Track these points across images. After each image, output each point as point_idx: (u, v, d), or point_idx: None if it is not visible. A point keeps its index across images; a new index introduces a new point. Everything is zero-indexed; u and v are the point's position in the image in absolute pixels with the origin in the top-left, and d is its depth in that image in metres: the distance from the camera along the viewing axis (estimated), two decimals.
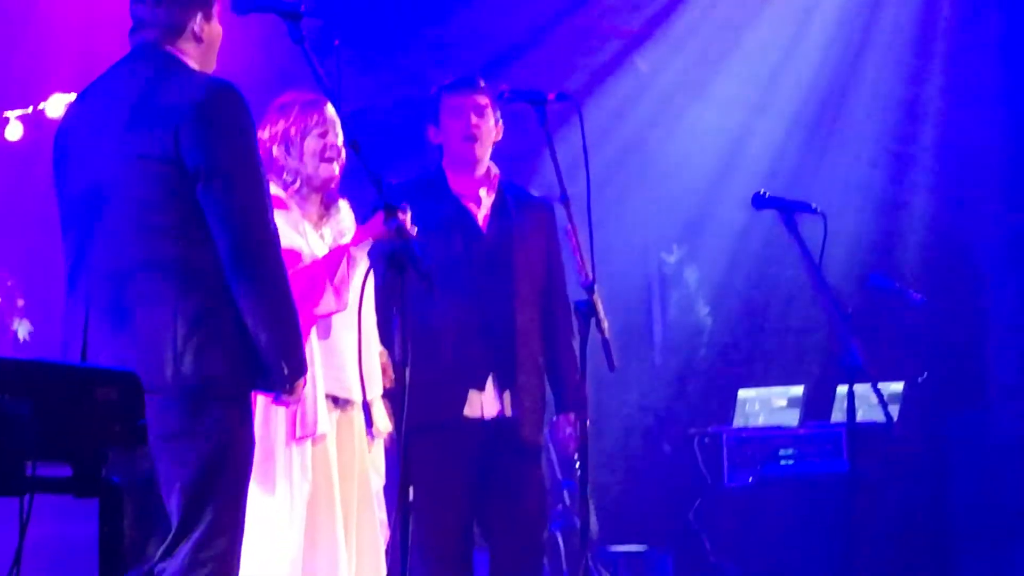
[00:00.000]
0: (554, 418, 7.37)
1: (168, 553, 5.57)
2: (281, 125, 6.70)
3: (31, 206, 10.31)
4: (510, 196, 7.30)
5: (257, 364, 5.63)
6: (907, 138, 11.50)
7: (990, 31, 11.22)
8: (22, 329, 9.58)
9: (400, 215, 6.09)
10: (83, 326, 5.69)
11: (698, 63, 11.73)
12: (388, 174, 6.80)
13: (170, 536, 5.60)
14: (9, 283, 9.69)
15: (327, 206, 6.80)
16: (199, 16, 5.83)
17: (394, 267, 5.91)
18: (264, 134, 6.71)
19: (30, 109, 10.19)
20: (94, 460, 4.16)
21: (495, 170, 7.31)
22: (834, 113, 11.59)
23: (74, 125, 5.92)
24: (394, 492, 6.13)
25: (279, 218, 6.46)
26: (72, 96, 10.20)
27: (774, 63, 11.68)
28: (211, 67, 5.91)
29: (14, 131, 10.14)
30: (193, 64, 5.80)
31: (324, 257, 6.57)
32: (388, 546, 6.90)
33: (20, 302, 9.65)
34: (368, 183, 5.96)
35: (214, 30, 5.89)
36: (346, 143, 6.42)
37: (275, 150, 6.72)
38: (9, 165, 10.38)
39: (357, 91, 10.12)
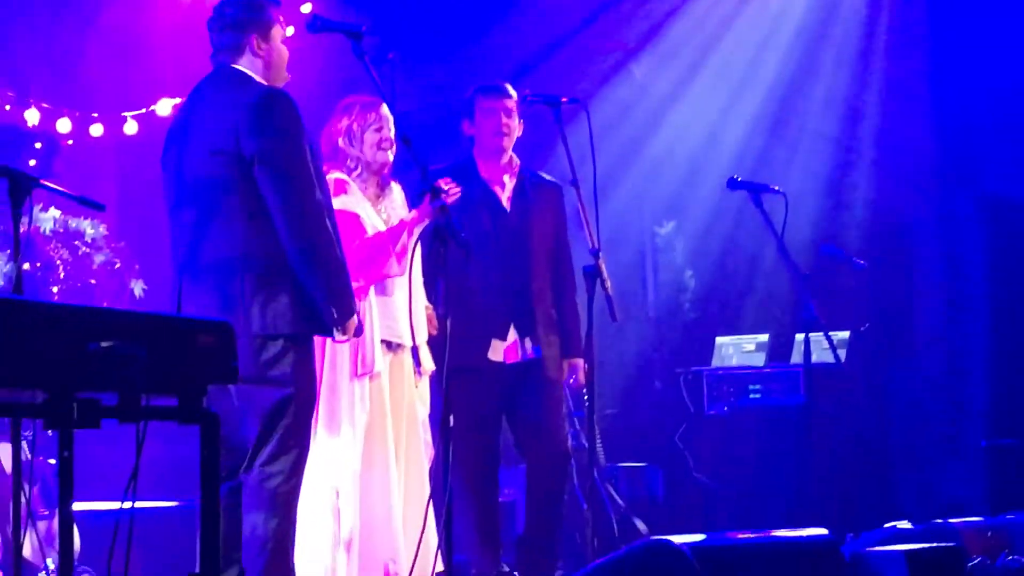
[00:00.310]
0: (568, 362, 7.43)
1: (247, 469, 5.70)
2: (345, 122, 6.79)
3: (144, 187, 10.37)
4: (528, 180, 7.35)
5: (312, 312, 5.74)
6: (852, 131, 11.47)
7: (921, 42, 11.18)
8: (138, 287, 9.59)
9: (444, 197, 6.20)
10: (178, 287, 5.84)
11: (681, 70, 11.69)
12: (431, 162, 6.93)
13: (247, 456, 5.72)
14: (124, 248, 9.72)
15: (382, 188, 6.89)
16: (255, 38, 5.95)
17: (438, 239, 5.99)
18: (332, 129, 6.84)
19: (143, 110, 10.23)
20: (196, 394, 4.22)
21: (516, 159, 7.36)
22: (792, 110, 11.55)
23: (173, 128, 6.10)
24: (437, 419, 6.21)
25: (345, 198, 6.60)
26: (176, 100, 10.29)
27: (743, 69, 11.60)
28: (279, 78, 6.04)
29: (131, 127, 10.19)
30: (258, 77, 5.92)
31: (389, 230, 6.67)
32: (432, 463, 6.99)
33: (136, 266, 9.69)
34: (416, 170, 6.05)
35: (274, 48, 5.99)
36: (398, 137, 6.49)
37: (340, 142, 6.82)
38: (127, 154, 10.41)
39: (407, 95, 10.19)
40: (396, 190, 6.97)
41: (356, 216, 6.69)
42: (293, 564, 5.90)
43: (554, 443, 7.23)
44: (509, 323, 7.17)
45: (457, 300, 6.73)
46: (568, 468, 7.37)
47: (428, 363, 6.94)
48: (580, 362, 7.25)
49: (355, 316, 5.83)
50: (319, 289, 5.70)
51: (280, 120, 5.79)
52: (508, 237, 7.11)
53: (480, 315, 7.07)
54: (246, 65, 5.94)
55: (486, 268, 7.05)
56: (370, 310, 6.62)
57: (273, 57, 5.99)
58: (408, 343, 6.70)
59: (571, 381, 7.36)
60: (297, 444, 5.77)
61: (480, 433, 7.17)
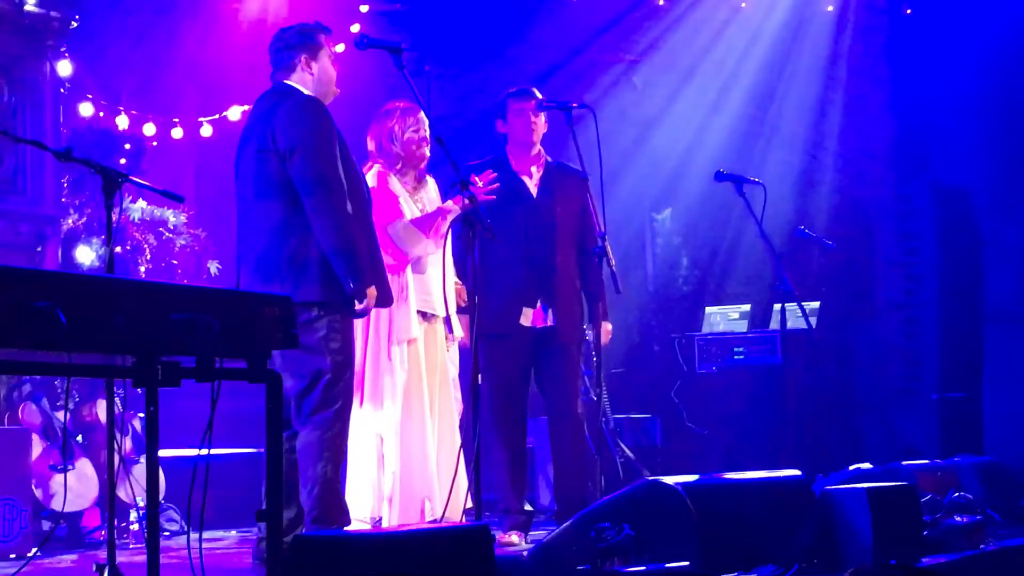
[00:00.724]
0: (586, 326, 7.46)
1: (298, 422, 5.74)
2: (387, 123, 6.86)
3: (218, 181, 10.39)
4: (555, 170, 7.36)
5: (337, 283, 5.78)
6: (820, 130, 11.46)
7: (879, 52, 11.18)
8: (213, 267, 9.63)
9: (474, 189, 6.25)
10: (237, 266, 5.98)
11: (675, 79, 11.71)
12: (467, 157, 6.97)
13: (294, 411, 5.75)
14: (202, 234, 9.74)
15: (419, 180, 6.95)
16: (305, 58, 6.03)
17: (467, 224, 6.01)
18: (376, 129, 6.90)
19: (216, 116, 10.25)
20: (262, 357, 4.24)
21: (544, 153, 7.38)
22: (769, 112, 11.56)
23: (240, 137, 6.17)
24: (467, 379, 6.22)
25: (388, 190, 6.63)
26: (245, 107, 10.29)
27: (727, 77, 11.62)
28: (327, 93, 6.13)
29: (206, 131, 10.21)
30: (307, 91, 6.00)
31: (425, 215, 6.72)
32: (461, 417, 7.02)
33: (211, 248, 9.72)
34: (448, 166, 6.07)
35: (321, 68, 6.08)
36: (432, 138, 6.53)
37: (384, 140, 6.88)
38: (204, 154, 10.44)
39: (441, 100, 10.19)
40: (431, 183, 7.04)
41: (396, 199, 6.74)
42: (345, 502, 5.93)
43: (568, 400, 7.24)
44: (536, 293, 7.18)
45: (491, 275, 6.82)
46: (580, 423, 7.37)
47: (458, 330, 7.03)
48: (605, 324, 7.28)
49: (372, 288, 5.86)
50: (338, 263, 5.75)
51: (310, 122, 5.88)
52: (535, 220, 7.14)
53: (511, 287, 7.11)
54: (296, 81, 6.04)
55: (516, 246, 7.09)
56: (407, 284, 6.67)
57: (320, 75, 6.08)
58: (441, 313, 6.79)
59: (597, 336, 7.36)
60: (338, 397, 5.81)
61: (512, 388, 7.20)
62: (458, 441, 6.90)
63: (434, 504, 6.64)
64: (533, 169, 7.33)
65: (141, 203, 9.34)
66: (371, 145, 6.97)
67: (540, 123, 7.33)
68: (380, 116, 6.93)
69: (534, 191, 7.29)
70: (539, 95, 7.34)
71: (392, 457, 6.59)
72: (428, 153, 6.88)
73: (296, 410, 5.79)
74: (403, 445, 6.61)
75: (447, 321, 6.92)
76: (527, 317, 7.17)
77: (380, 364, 6.63)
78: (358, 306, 5.85)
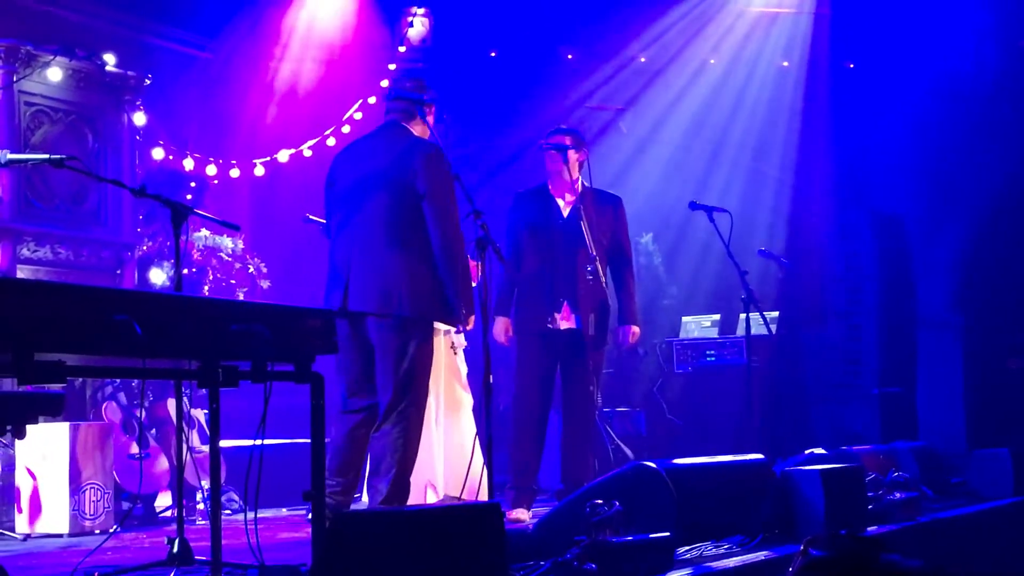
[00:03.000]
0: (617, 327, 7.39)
1: (384, 416, 5.70)
2: None
3: (270, 213, 10.41)
4: (590, 195, 7.31)
5: (445, 306, 5.75)
6: (777, 166, 11.50)
7: (826, 103, 11.24)
8: (265, 284, 9.64)
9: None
10: (346, 277, 5.79)
11: (656, 126, 11.75)
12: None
13: (386, 406, 5.71)
14: (262, 266, 9.75)
15: None
16: (426, 110, 6.02)
17: (479, 247, 5.98)
18: None
19: (268, 158, 10.27)
20: (307, 361, 4.25)
21: (580, 181, 7.34)
22: (734, 151, 11.60)
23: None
24: (478, 379, 6.17)
25: None
26: (292, 150, 10.28)
27: (699, 121, 11.69)
28: (427, 137, 6.06)
29: (259, 171, 10.22)
30: (416, 134, 5.95)
31: None
32: (475, 410, 6.98)
33: (264, 270, 9.71)
34: (463, 199, 6.06)
35: (428, 124, 6.03)
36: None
37: None
38: (256, 192, 10.46)
39: (457, 143, 10.21)
40: None
41: None
42: (408, 489, 5.87)
43: (586, 395, 7.20)
44: (563, 299, 7.15)
45: (528, 282, 6.85)
46: (592, 414, 7.34)
47: (460, 341, 7.04)
48: (632, 328, 7.27)
49: (472, 315, 5.89)
50: (454, 288, 5.71)
51: (444, 169, 5.83)
52: (564, 237, 7.11)
53: (543, 292, 7.10)
54: (413, 126, 5.99)
55: (547, 259, 7.09)
56: None
57: (426, 127, 6.04)
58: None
59: (627, 336, 7.34)
60: (420, 398, 5.77)
61: (540, 382, 7.17)
62: (471, 431, 6.88)
63: (437, 488, 6.62)
64: (567, 195, 7.31)
65: (204, 232, 9.35)
66: None
67: (560, 161, 7.28)
68: None
69: (565, 212, 7.27)
70: (563, 130, 7.39)
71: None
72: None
73: (384, 406, 5.74)
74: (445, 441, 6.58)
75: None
76: (555, 320, 7.15)
77: None
78: (463, 327, 5.89)
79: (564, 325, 7.14)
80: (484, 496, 6.01)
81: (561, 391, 7.30)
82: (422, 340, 5.73)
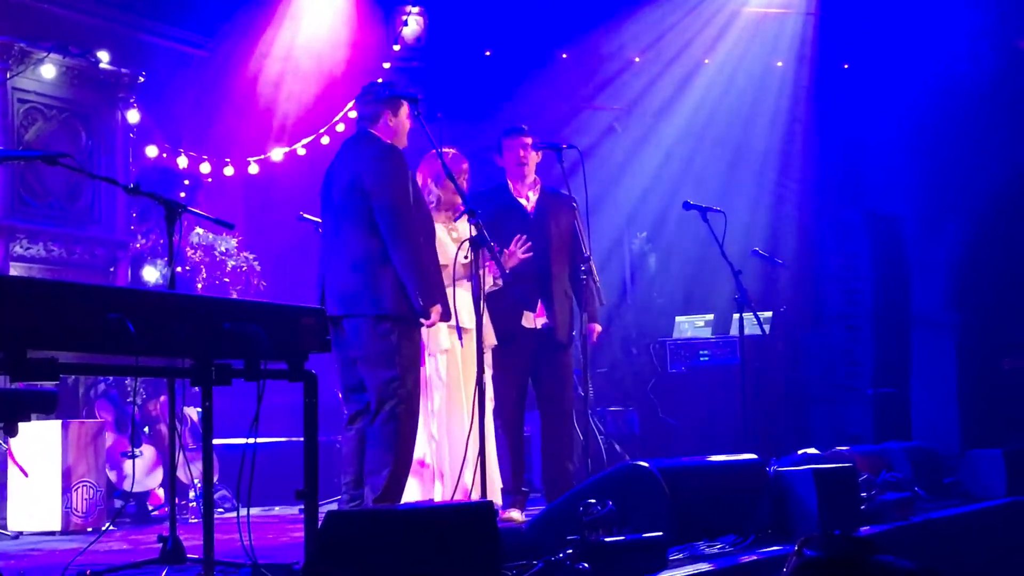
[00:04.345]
0: (587, 325, 7.31)
1: (375, 417, 5.77)
2: (436, 166, 6.69)
3: (263, 212, 10.40)
4: (548, 194, 7.29)
5: (408, 300, 5.78)
6: (773, 166, 11.50)
7: (822, 103, 11.26)
8: (259, 283, 9.64)
9: (508, 252, 6.50)
10: (322, 284, 6.01)
11: (651, 126, 11.75)
12: (475, 186, 6.92)
13: (372, 406, 5.79)
14: (250, 256, 9.74)
15: (455, 219, 6.80)
16: (388, 113, 6.07)
17: (474, 246, 6.00)
18: (425, 170, 6.81)
19: (262, 156, 10.26)
20: (300, 360, 4.24)
21: (538, 180, 7.32)
22: (729, 151, 11.60)
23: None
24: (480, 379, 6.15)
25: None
26: (286, 148, 10.29)
27: (693, 120, 11.69)
28: (401, 142, 6.15)
29: (253, 169, 10.21)
30: (385, 139, 6.04)
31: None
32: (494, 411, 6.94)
33: (258, 268, 9.72)
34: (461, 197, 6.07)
35: (400, 121, 6.10)
36: (446, 173, 6.45)
37: (429, 181, 6.79)
38: (251, 190, 10.45)
39: (450, 141, 10.20)
40: (463, 221, 6.80)
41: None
42: (402, 488, 5.89)
43: (562, 394, 7.19)
44: (536, 299, 7.12)
45: (501, 286, 6.78)
46: (571, 413, 7.32)
47: (490, 338, 6.99)
48: (595, 326, 7.23)
49: (436, 306, 5.87)
50: (410, 283, 5.77)
51: (390, 168, 5.93)
52: (532, 236, 7.03)
53: (515, 294, 7.00)
54: (377, 130, 6.05)
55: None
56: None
57: (398, 128, 6.10)
58: (470, 326, 6.61)
59: (593, 334, 7.29)
60: (407, 396, 5.81)
61: (516, 383, 7.12)
62: (490, 431, 6.87)
63: (467, 485, 6.57)
64: (530, 194, 7.26)
65: (198, 230, 9.35)
66: (419, 182, 6.90)
67: (530, 155, 7.26)
68: (430, 158, 6.79)
69: (530, 211, 7.23)
70: (526, 130, 7.32)
71: (423, 441, 6.51)
72: (460, 198, 6.57)
73: (372, 406, 5.81)
74: (450, 441, 6.54)
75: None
76: (528, 320, 7.11)
77: (424, 370, 6.58)
78: (425, 321, 5.87)
79: (538, 324, 7.12)
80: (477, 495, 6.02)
81: (536, 391, 7.28)
82: (400, 337, 5.80)
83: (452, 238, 6.75)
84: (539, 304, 7.11)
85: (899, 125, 10.60)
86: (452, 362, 6.64)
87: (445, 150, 6.59)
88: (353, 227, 5.91)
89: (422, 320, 5.87)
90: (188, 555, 4.78)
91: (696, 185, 11.10)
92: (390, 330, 5.80)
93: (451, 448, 6.54)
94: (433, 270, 6.00)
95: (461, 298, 6.53)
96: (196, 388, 4.15)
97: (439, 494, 6.49)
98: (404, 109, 6.14)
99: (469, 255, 6.17)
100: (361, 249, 5.87)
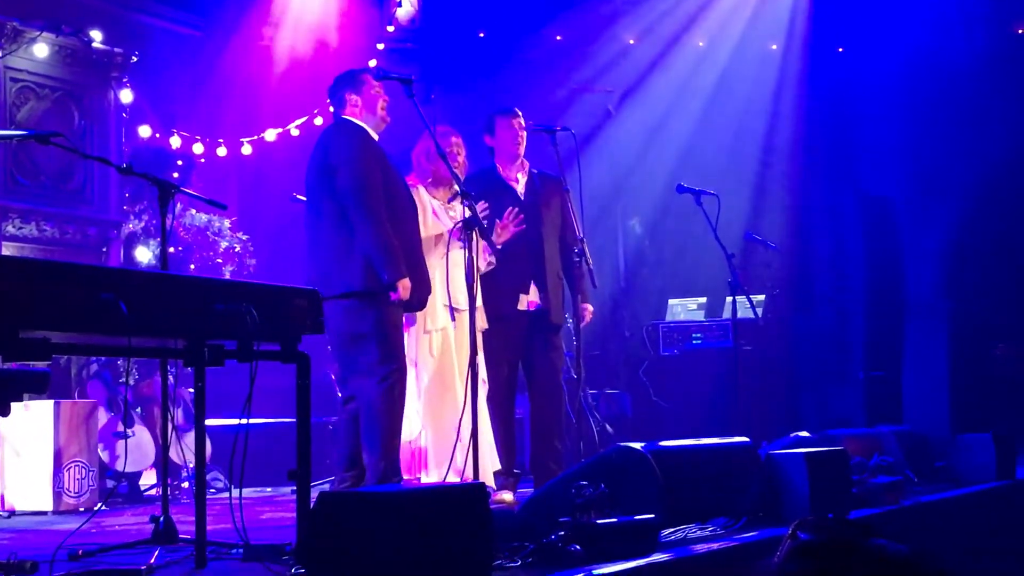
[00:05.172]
0: (579, 307, 7.27)
1: (362, 398, 5.81)
2: (428, 143, 6.67)
3: (257, 192, 10.38)
4: (537, 176, 7.26)
5: (375, 275, 5.78)
6: (766, 149, 11.50)
7: (815, 86, 11.26)
8: (252, 266, 9.62)
9: (500, 224, 6.49)
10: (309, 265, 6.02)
11: (644, 108, 11.74)
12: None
13: (362, 387, 5.81)
14: (244, 237, 9.73)
15: (450, 200, 6.79)
16: (348, 92, 6.06)
17: (467, 228, 5.99)
18: (418, 147, 6.80)
19: (255, 137, 10.24)
20: (293, 341, 4.23)
21: (526, 162, 7.31)
22: (723, 134, 11.59)
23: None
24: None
25: (419, 199, 6.54)
26: (279, 130, 10.26)
27: (688, 104, 11.69)
28: (377, 121, 6.14)
29: (246, 149, 10.19)
30: (359, 121, 6.06)
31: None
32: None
33: (251, 248, 9.69)
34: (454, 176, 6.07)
35: (366, 99, 6.08)
36: (441, 154, 6.42)
37: (422, 158, 6.78)
38: (243, 169, 10.43)
39: (444, 122, 10.17)
40: (457, 202, 6.77)
41: (424, 209, 6.64)
42: (397, 464, 5.91)
43: (555, 376, 7.19)
44: (529, 281, 7.10)
45: (493, 267, 6.75)
46: (562, 395, 7.31)
47: (481, 321, 6.96)
48: (587, 307, 7.22)
49: (405, 280, 5.84)
50: (375, 257, 5.77)
51: (343, 142, 5.97)
52: (525, 218, 7.00)
53: (508, 277, 6.97)
54: (349, 113, 6.07)
55: (509, 242, 6.91)
56: (436, 283, 6.56)
57: (365, 106, 6.11)
58: (464, 307, 6.62)
59: (585, 313, 7.26)
60: (389, 374, 5.81)
61: (509, 365, 7.11)
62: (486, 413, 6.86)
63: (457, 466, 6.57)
64: (519, 176, 7.23)
65: (191, 211, 9.33)
66: (412, 160, 6.90)
67: (524, 136, 7.25)
68: (424, 137, 6.74)
69: (521, 194, 7.22)
70: (518, 112, 7.29)
71: (416, 422, 6.53)
72: (456, 173, 6.47)
73: (359, 386, 5.82)
74: (434, 414, 6.54)
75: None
76: (523, 302, 7.10)
77: (416, 348, 6.59)
78: (394, 295, 5.83)
79: (531, 306, 7.11)
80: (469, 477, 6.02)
81: (527, 373, 7.28)
82: (376, 314, 5.80)
83: (450, 216, 6.74)
84: (531, 286, 7.10)
85: (892, 108, 10.61)
86: (446, 341, 6.64)
87: (440, 128, 6.59)
88: (324, 210, 5.94)
89: (394, 294, 5.83)
90: (180, 535, 4.77)
91: (690, 168, 11.09)
92: (364, 307, 5.81)
93: (437, 428, 6.54)
94: (408, 246, 5.97)
95: (455, 278, 6.51)
96: (189, 369, 4.14)
97: (430, 474, 6.49)
98: (368, 84, 6.12)
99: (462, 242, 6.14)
100: (332, 230, 5.89)
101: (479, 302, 6.33)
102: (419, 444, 6.57)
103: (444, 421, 6.54)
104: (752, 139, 11.56)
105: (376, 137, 6.10)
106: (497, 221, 6.67)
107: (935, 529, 6.39)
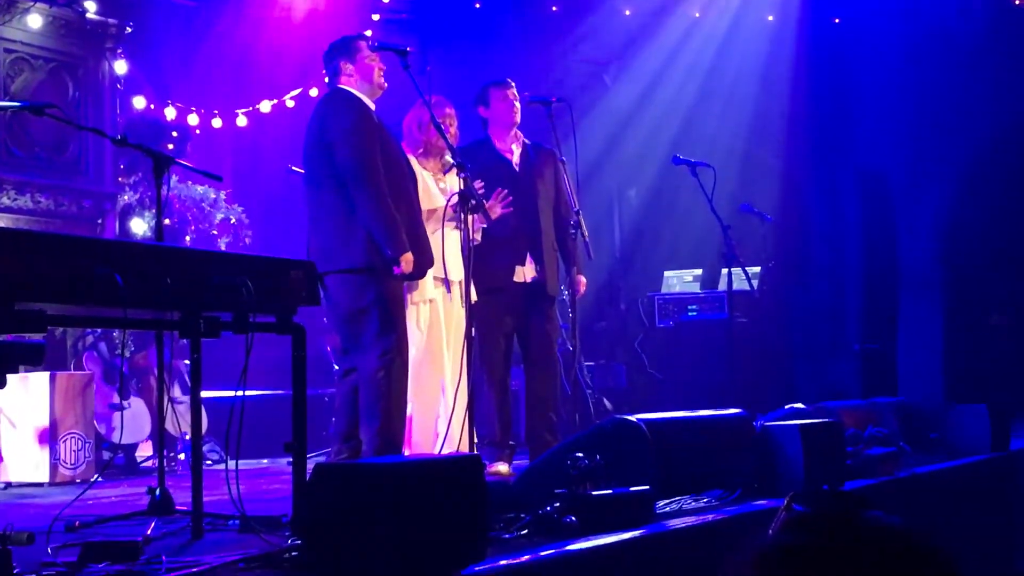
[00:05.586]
0: (575, 279, 7.26)
1: (364, 371, 5.80)
2: (420, 113, 6.65)
3: (252, 164, 10.36)
4: (531, 148, 7.25)
5: (378, 250, 5.76)
6: (762, 120, 11.47)
7: (812, 58, 11.23)
8: (248, 238, 9.62)
9: (488, 205, 6.42)
10: (308, 244, 5.99)
11: (640, 80, 11.72)
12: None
13: (364, 360, 5.80)
14: (244, 217, 9.72)
15: (444, 171, 6.77)
16: (342, 61, 6.00)
17: (462, 199, 5.98)
18: (410, 117, 6.77)
19: (250, 108, 10.21)
20: (289, 313, 4.24)
21: (520, 134, 7.29)
22: (719, 105, 11.57)
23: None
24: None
25: (420, 172, 6.52)
26: (274, 101, 10.22)
27: (684, 74, 11.66)
28: (373, 88, 6.07)
29: (241, 121, 10.17)
30: (354, 89, 6.01)
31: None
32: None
33: (246, 220, 9.70)
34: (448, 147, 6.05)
35: (360, 67, 6.02)
36: (432, 125, 6.40)
37: (413, 128, 6.75)
38: (239, 141, 10.40)
39: (439, 93, 10.15)
40: (452, 174, 6.76)
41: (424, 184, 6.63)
42: (397, 438, 5.90)
43: (550, 348, 7.19)
44: (525, 253, 7.09)
45: (488, 239, 6.73)
46: (558, 367, 7.32)
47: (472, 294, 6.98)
48: (582, 279, 7.21)
49: (408, 254, 5.81)
50: (376, 233, 5.74)
51: (340, 115, 5.90)
52: (520, 190, 6.98)
53: (504, 248, 6.96)
54: (344, 82, 6.01)
55: (506, 214, 6.90)
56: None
57: (359, 74, 6.03)
58: (455, 278, 6.62)
59: (578, 284, 7.25)
60: (390, 348, 5.80)
61: (505, 337, 7.12)
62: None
63: (438, 429, 6.58)
64: (514, 147, 7.20)
65: (189, 184, 9.31)
66: (404, 130, 6.86)
67: (519, 107, 7.22)
68: (416, 106, 6.74)
69: (516, 165, 7.20)
70: (513, 83, 7.26)
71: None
72: (447, 142, 6.46)
73: (361, 360, 5.82)
74: (419, 383, 6.53)
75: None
76: (519, 274, 7.09)
77: (406, 319, 6.58)
78: (397, 269, 5.82)
79: (528, 277, 7.10)
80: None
81: (522, 344, 7.27)
82: (379, 289, 5.78)
83: (440, 188, 6.72)
84: (527, 258, 7.10)
85: (889, 80, 10.58)
86: (435, 313, 6.63)
87: (432, 98, 6.56)
88: (323, 183, 5.88)
89: (397, 268, 5.82)
90: (177, 507, 4.78)
91: (685, 140, 11.08)
92: (366, 282, 5.78)
93: (420, 401, 6.55)
94: (409, 217, 5.94)
95: (450, 250, 6.51)
96: (184, 341, 4.14)
97: (412, 447, 6.50)
98: (363, 52, 6.05)
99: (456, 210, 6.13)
100: (332, 204, 5.84)
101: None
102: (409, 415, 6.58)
103: (428, 395, 6.55)
104: (748, 111, 11.53)
105: (372, 106, 6.06)
106: (486, 203, 6.64)
107: (929, 500, 6.41)
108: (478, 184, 6.35)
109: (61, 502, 5.16)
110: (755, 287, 8.98)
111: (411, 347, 6.49)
